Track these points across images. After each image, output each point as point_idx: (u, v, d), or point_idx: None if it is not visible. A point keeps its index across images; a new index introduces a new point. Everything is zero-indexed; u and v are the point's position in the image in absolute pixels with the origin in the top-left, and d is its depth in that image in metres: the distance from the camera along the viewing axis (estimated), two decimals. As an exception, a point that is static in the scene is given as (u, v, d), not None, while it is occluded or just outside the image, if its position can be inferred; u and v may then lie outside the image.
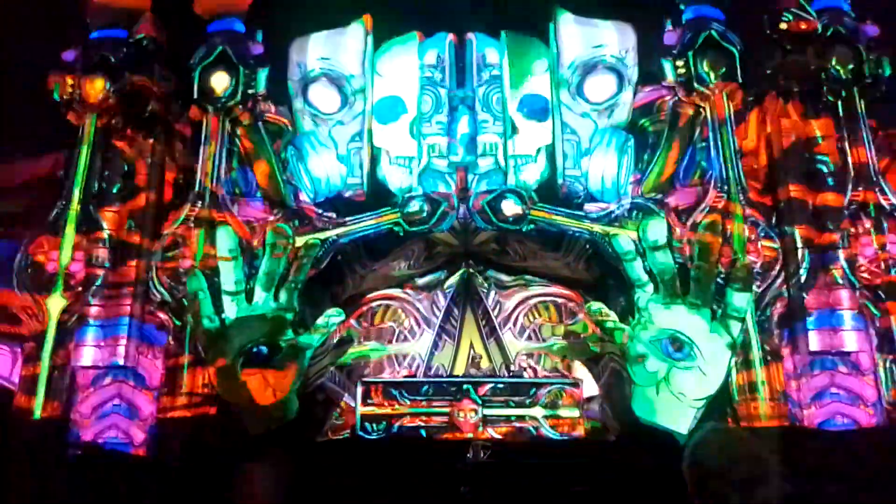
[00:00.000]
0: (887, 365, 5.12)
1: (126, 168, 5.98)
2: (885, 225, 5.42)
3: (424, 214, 5.66)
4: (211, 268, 5.40)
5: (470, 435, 5.04)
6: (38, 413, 5.30)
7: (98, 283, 5.61)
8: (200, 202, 5.79)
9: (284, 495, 2.42)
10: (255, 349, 5.13)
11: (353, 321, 5.78)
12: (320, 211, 5.84)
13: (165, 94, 6.13)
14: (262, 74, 6.20)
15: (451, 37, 6.14)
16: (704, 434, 1.86)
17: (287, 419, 5.06)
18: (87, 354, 5.44)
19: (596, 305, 5.29)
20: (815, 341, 5.17)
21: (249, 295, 5.24)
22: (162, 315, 5.61)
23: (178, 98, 6.17)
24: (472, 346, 5.68)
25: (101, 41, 6.27)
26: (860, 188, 5.52)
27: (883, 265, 5.34)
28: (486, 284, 5.81)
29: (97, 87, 6.07)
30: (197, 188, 5.86)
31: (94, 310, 5.55)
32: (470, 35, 6.16)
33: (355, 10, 6.33)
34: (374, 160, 6.06)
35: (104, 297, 5.58)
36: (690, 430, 4.71)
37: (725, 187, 5.58)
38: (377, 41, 6.23)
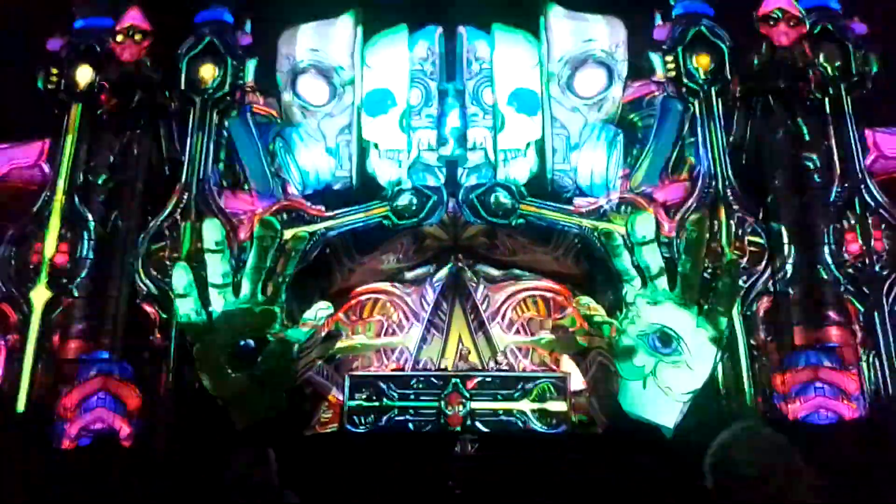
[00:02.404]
0: (870, 359, 5.18)
1: (112, 159, 5.89)
2: (870, 221, 5.46)
3: (414, 208, 5.64)
4: (198, 260, 5.36)
5: (458, 429, 5.04)
6: (21, 406, 5.23)
7: (83, 275, 5.55)
8: (187, 194, 5.73)
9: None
10: (242, 343, 5.10)
11: (341, 315, 5.75)
12: (309, 203, 5.80)
13: (152, 84, 6.06)
14: (251, 65, 6.15)
15: (440, 29, 6.12)
16: (735, 435, 1.72)
17: (274, 413, 5.04)
18: (73, 346, 5.38)
19: (584, 300, 5.30)
20: (799, 336, 5.21)
21: (237, 288, 5.20)
22: (148, 308, 5.55)
23: (165, 88, 6.10)
24: (460, 339, 5.67)
25: (86, 30, 6.18)
26: (846, 185, 5.56)
27: (867, 261, 5.38)
28: (474, 278, 5.79)
29: (84, 77, 6.00)
30: (184, 180, 5.81)
31: (79, 301, 5.48)
32: (460, 28, 6.14)
33: (345, 2, 6.28)
34: (364, 153, 6.03)
35: (89, 289, 5.51)
36: (682, 425, 4.71)
37: (713, 183, 5.60)
38: (366, 33, 6.19)
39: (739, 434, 1.72)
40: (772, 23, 5.93)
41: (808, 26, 5.93)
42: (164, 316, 5.48)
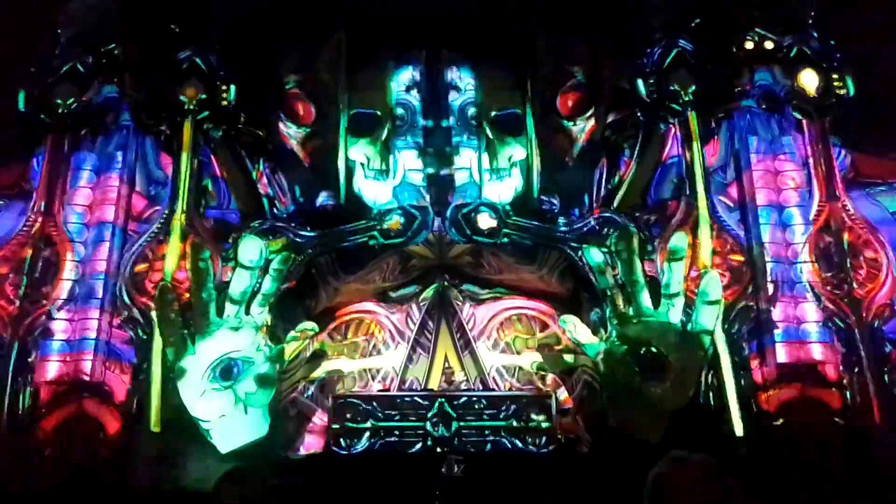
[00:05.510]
0: (853, 377, 5.22)
1: (95, 178, 5.85)
2: (849, 239, 5.55)
3: (400, 227, 5.65)
4: (181, 281, 5.33)
5: (445, 449, 5.01)
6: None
7: (64, 296, 5.48)
8: (171, 215, 5.70)
9: None
10: (225, 363, 5.05)
11: (325, 335, 5.72)
12: (294, 224, 5.78)
13: (136, 104, 6.05)
14: (235, 86, 6.16)
15: (425, 52, 6.19)
16: (667, 467, 1.69)
17: (258, 435, 4.99)
18: (52, 369, 5.29)
19: (569, 318, 5.32)
20: (782, 354, 5.25)
21: (220, 309, 5.17)
22: (129, 329, 5.48)
23: (148, 109, 6.08)
24: (446, 359, 5.66)
25: (70, 51, 6.17)
26: (825, 204, 5.65)
27: (848, 278, 5.45)
28: (460, 297, 5.79)
29: (68, 97, 5.97)
30: (168, 201, 5.78)
31: (59, 324, 5.41)
32: (444, 50, 6.21)
33: (330, 24, 6.34)
34: (349, 173, 6.04)
35: (70, 310, 5.44)
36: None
37: (695, 202, 5.67)
38: (351, 55, 6.23)
39: (671, 465, 1.69)
40: (748, 45, 6.06)
41: (785, 49, 6.06)
42: (145, 337, 5.42)
